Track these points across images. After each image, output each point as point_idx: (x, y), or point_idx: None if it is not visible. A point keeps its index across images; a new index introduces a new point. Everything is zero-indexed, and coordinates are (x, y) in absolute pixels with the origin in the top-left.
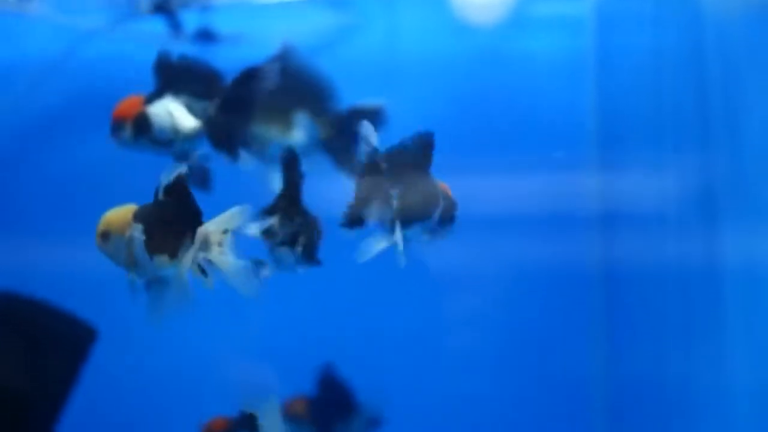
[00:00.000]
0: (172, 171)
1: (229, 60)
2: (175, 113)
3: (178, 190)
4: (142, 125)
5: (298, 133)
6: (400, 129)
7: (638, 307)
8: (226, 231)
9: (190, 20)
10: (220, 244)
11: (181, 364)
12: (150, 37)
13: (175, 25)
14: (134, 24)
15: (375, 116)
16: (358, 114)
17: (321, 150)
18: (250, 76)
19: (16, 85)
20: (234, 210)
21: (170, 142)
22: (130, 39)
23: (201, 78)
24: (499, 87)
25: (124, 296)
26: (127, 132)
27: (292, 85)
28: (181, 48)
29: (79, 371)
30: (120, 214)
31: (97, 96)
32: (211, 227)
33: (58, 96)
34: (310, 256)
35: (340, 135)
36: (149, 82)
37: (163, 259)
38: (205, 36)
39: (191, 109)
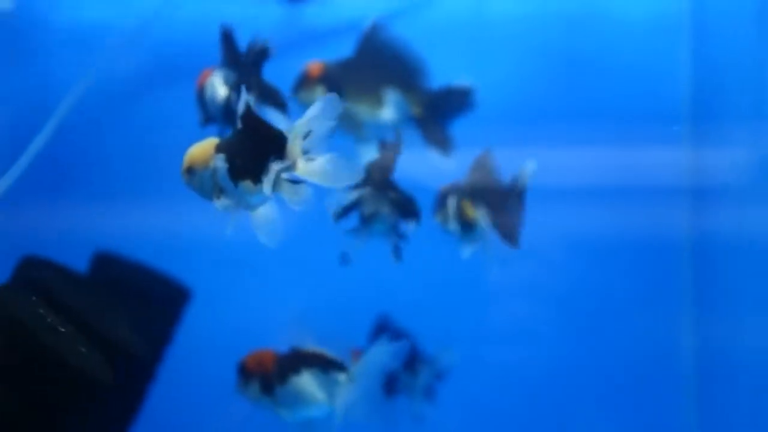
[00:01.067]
0: (242, 100)
1: (316, 21)
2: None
3: (251, 117)
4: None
5: (389, 110)
6: (489, 98)
7: (728, 280)
8: (307, 135)
9: None
10: (305, 152)
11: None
12: None
13: None
14: None
15: (465, 96)
16: (450, 92)
17: (412, 126)
18: None
19: (107, 45)
20: (311, 110)
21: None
22: None
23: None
24: (591, 53)
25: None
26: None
27: (382, 61)
28: (270, 9)
29: (174, 331)
30: (202, 147)
31: (184, 57)
32: (290, 138)
33: (146, 57)
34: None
35: (431, 112)
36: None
37: (247, 185)
38: None
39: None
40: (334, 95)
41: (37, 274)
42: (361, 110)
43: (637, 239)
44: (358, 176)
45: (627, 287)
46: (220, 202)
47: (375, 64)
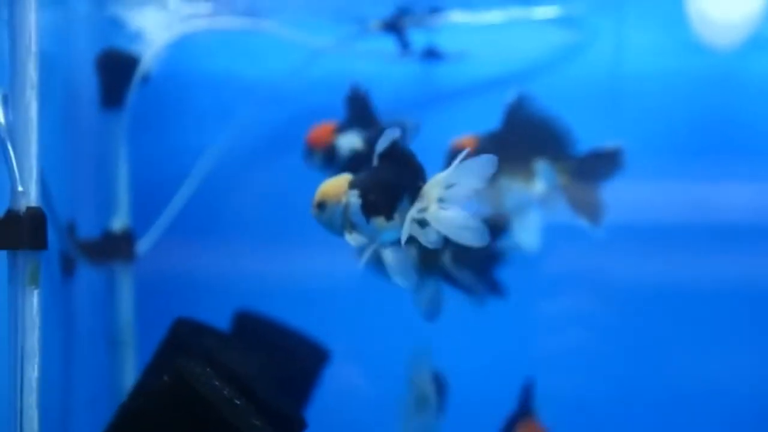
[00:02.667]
0: (386, 137)
1: (452, 77)
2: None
3: (394, 154)
4: (331, 156)
5: (540, 182)
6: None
7: None
8: (450, 186)
9: (418, 38)
10: (441, 200)
11: None
12: (377, 55)
13: (404, 44)
14: (363, 42)
15: (614, 158)
16: (597, 156)
17: (560, 196)
18: None
19: (251, 102)
20: (460, 164)
21: None
22: (357, 57)
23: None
24: (732, 110)
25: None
26: (317, 160)
27: (530, 132)
28: (407, 66)
29: (313, 391)
30: (335, 183)
31: (322, 113)
32: (433, 182)
33: (284, 113)
34: None
35: (579, 179)
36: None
37: (379, 221)
38: (431, 54)
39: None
40: (493, 156)
41: (195, 340)
42: (514, 183)
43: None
44: (483, 241)
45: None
46: (352, 237)
47: (523, 136)
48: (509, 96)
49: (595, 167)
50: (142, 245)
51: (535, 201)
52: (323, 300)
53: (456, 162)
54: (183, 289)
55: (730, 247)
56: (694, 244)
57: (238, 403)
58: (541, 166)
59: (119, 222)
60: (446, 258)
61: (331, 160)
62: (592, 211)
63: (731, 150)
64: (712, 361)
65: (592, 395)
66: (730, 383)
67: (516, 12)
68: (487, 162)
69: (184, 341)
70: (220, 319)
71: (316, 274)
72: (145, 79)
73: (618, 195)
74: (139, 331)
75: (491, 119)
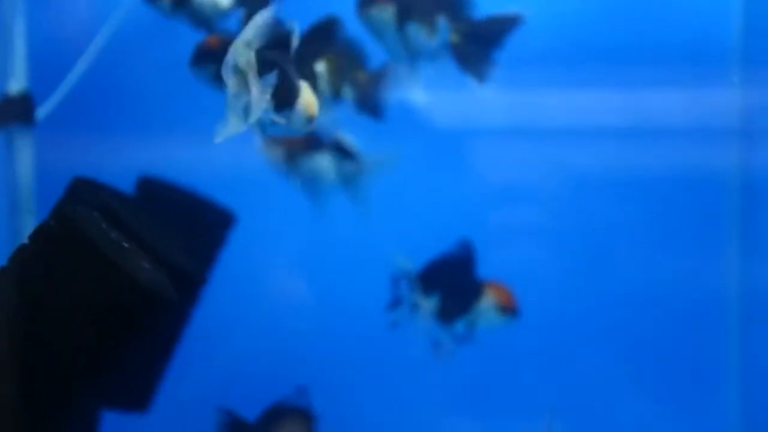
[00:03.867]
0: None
1: None
2: None
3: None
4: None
5: (436, 36)
6: (538, 35)
7: None
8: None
9: None
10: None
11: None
12: None
13: None
14: None
15: (512, 24)
16: (496, 22)
17: (448, 55)
18: None
19: None
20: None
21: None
22: None
23: None
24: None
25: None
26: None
27: None
28: None
29: (219, 255)
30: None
31: None
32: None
33: None
34: None
35: (470, 41)
36: None
37: None
38: None
39: None
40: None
41: (92, 195)
42: (420, 33)
43: (684, 178)
44: None
45: (674, 226)
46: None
47: None
48: None
49: (489, 32)
50: (42, 110)
51: (428, 54)
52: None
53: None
54: (85, 156)
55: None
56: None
57: (127, 246)
58: (441, 21)
59: (16, 85)
60: None
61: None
62: (479, 71)
63: None
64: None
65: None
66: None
67: None
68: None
69: (80, 197)
70: (123, 187)
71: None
72: None
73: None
74: (39, 199)
75: None
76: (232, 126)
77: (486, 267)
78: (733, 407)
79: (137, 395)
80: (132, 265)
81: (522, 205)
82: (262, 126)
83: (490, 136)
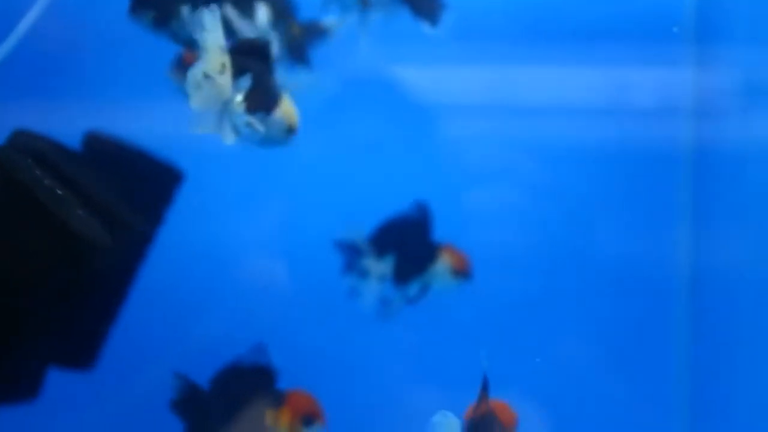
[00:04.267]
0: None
1: None
2: None
3: None
4: None
5: None
6: (499, 14)
7: (727, 196)
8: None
9: None
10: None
11: None
12: None
13: None
14: None
15: None
16: None
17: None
18: None
19: None
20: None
21: None
22: None
23: None
24: None
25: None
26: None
27: None
28: None
29: (166, 212)
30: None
31: None
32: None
33: None
34: None
35: None
36: None
37: None
38: None
39: None
40: None
41: (30, 144)
42: None
43: (638, 155)
44: None
45: (626, 201)
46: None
47: None
48: None
49: None
50: None
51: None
52: None
53: None
54: (24, 119)
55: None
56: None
57: (60, 193)
58: None
59: None
60: None
61: None
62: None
63: None
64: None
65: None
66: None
67: None
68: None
69: (17, 146)
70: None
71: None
72: None
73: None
74: None
75: None
76: (206, 127)
77: (443, 233)
78: (683, 378)
79: (82, 353)
80: (65, 211)
81: (484, 179)
82: (237, 131)
83: (454, 111)
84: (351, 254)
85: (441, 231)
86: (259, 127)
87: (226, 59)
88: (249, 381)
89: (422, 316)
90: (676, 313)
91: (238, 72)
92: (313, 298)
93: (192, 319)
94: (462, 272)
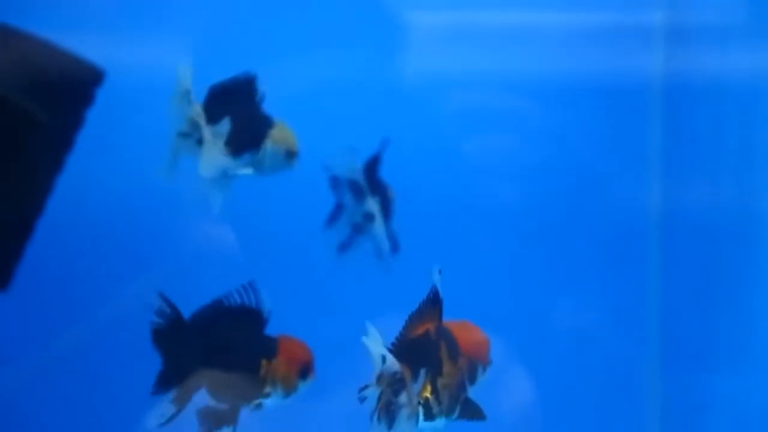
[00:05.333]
0: None
1: None
2: None
3: None
4: None
5: None
6: None
7: (698, 122)
8: None
9: None
10: None
11: None
12: None
13: None
14: None
15: None
16: None
17: None
18: None
19: None
20: None
21: None
22: None
23: None
24: None
25: None
26: None
27: None
28: None
29: (85, 113)
30: None
31: None
32: None
33: None
34: None
35: None
36: None
37: None
38: None
39: None
40: None
41: None
42: None
43: (605, 82)
44: None
45: (593, 132)
46: None
47: None
48: None
49: None
50: None
51: None
52: None
53: None
54: None
55: None
56: None
57: None
58: None
59: None
60: None
61: None
62: None
63: None
64: None
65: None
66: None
67: None
68: None
69: None
70: None
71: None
72: None
73: None
74: None
75: None
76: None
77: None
78: (653, 321)
79: None
80: None
81: (447, 100)
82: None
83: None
84: None
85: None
86: (246, 171)
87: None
88: (237, 322)
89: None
90: (648, 251)
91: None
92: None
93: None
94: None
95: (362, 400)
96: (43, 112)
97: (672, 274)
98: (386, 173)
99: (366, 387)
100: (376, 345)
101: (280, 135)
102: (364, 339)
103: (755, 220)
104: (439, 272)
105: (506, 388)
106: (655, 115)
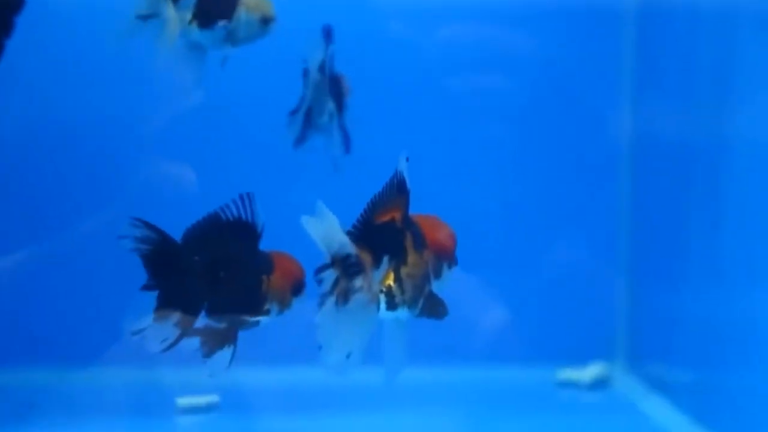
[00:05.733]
0: None
1: None
2: None
3: None
4: None
5: None
6: None
7: (671, 46)
8: None
9: None
10: None
11: None
12: None
13: None
14: None
15: None
16: None
17: None
18: None
19: None
20: None
21: None
22: None
23: None
24: None
25: None
26: None
27: None
28: None
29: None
30: None
31: None
32: None
33: None
34: None
35: None
36: None
37: None
38: None
39: None
40: None
41: None
42: None
43: (578, 5)
44: None
45: (566, 55)
46: None
47: None
48: None
49: None
50: None
51: None
52: None
53: None
54: None
55: None
56: None
57: None
58: None
59: None
60: None
61: None
62: None
63: None
64: None
65: None
66: None
67: None
68: None
69: None
70: None
71: None
72: None
73: None
74: None
75: None
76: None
77: None
78: (623, 240)
79: None
80: None
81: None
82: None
83: None
84: None
85: None
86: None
87: None
88: (234, 237)
89: None
90: (620, 172)
91: None
92: None
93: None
94: (269, 19)
95: (319, 282)
96: None
97: (643, 195)
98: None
99: (323, 268)
100: (322, 226)
101: (254, 1)
102: (304, 219)
103: (725, 142)
104: (407, 159)
105: (474, 297)
106: (629, 38)
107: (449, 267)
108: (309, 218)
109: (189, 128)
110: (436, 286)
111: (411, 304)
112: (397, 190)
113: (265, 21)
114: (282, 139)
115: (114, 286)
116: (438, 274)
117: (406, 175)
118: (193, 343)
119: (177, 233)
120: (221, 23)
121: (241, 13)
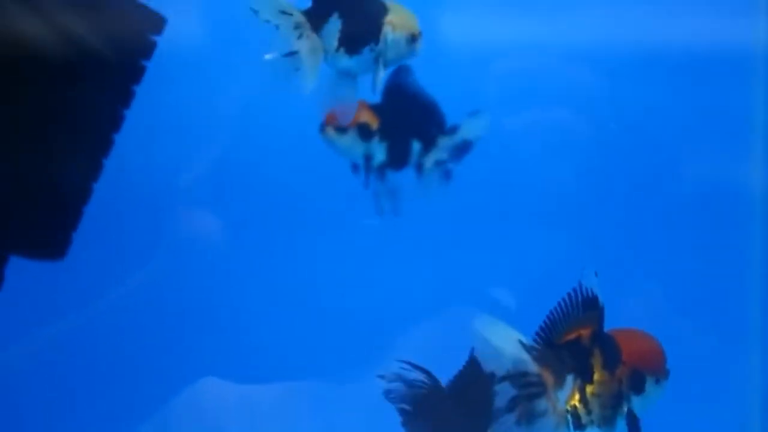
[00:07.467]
0: None
1: None
2: None
3: None
4: None
5: None
6: None
7: None
8: None
9: None
10: None
11: None
12: None
13: None
14: None
15: None
16: None
17: None
18: None
19: None
20: None
21: None
22: None
23: None
24: None
25: None
26: None
27: None
28: None
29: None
30: None
31: None
32: None
33: None
34: None
35: None
36: None
37: None
38: None
39: None
40: None
41: None
42: None
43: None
44: None
45: (690, 103)
46: None
47: None
48: None
49: None
50: None
51: None
52: None
53: None
54: None
55: None
56: None
57: None
58: None
59: None
60: None
61: None
62: None
63: None
64: None
65: None
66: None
67: None
68: None
69: None
70: None
71: None
72: None
73: None
74: None
75: None
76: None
77: None
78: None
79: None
80: None
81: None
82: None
83: None
84: None
85: None
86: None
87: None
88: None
89: None
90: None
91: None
92: None
93: None
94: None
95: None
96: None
97: None
98: None
99: (500, 380)
100: (504, 339)
101: (399, 19)
102: (482, 328)
103: None
104: (596, 274)
105: None
106: (758, 86)
107: (656, 382)
108: (485, 321)
109: None
110: (637, 403)
111: (602, 424)
112: (583, 307)
113: (413, 38)
114: None
115: None
116: (639, 390)
117: (597, 291)
118: None
119: None
120: (369, 47)
121: (387, 33)
